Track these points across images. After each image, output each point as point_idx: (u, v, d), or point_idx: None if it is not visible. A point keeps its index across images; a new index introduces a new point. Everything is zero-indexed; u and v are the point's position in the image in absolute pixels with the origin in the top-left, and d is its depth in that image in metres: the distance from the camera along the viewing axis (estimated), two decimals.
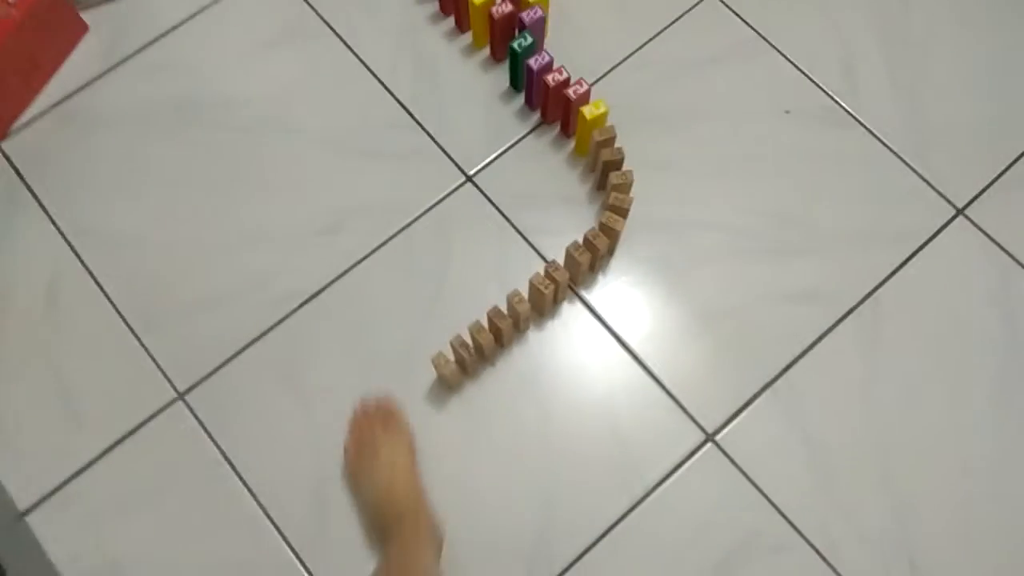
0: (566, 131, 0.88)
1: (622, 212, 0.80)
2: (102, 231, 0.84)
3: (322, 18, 0.93)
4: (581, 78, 0.83)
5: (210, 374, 0.79)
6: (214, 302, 0.82)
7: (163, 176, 0.87)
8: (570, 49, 0.91)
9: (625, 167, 0.82)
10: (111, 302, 0.81)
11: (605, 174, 0.83)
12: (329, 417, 0.76)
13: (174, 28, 0.93)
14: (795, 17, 0.93)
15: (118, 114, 0.89)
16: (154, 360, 0.79)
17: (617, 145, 0.82)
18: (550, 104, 0.86)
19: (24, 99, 0.89)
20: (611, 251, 0.84)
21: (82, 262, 0.83)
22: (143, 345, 0.80)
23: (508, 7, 0.85)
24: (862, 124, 0.89)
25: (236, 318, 0.81)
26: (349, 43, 0.92)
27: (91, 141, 0.88)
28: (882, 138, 0.88)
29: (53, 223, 0.85)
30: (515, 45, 0.84)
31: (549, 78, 0.83)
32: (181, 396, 0.78)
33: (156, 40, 0.92)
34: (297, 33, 0.92)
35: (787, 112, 0.89)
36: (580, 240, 0.79)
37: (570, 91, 0.83)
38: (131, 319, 0.81)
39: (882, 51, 0.92)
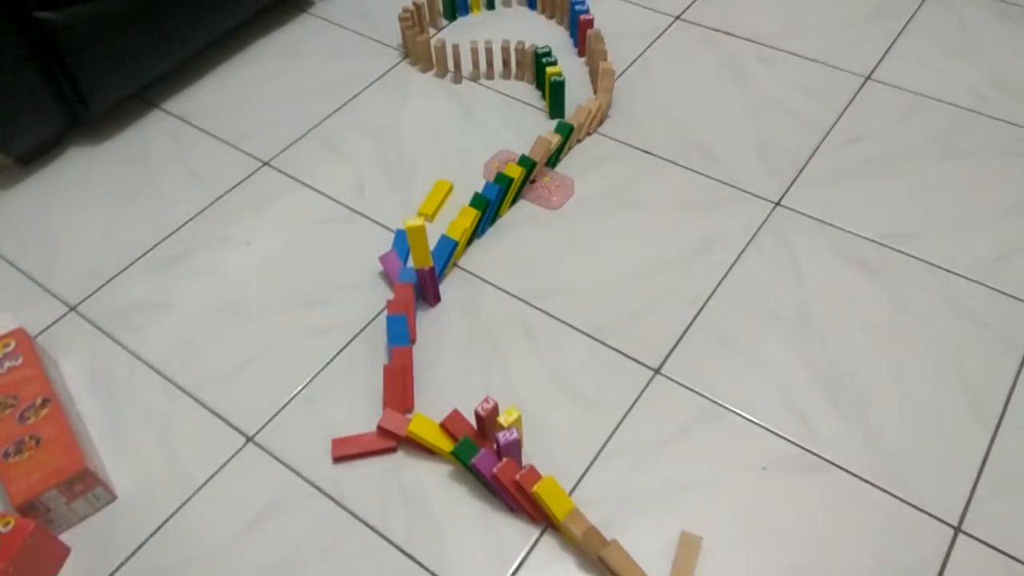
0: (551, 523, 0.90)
1: None
2: None
3: (307, 481, 0.95)
4: (486, 398, 0.92)
5: None
6: None
7: None
8: (545, 453, 0.96)
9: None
10: None
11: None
12: None
13: (160, 528, 0.93)
14: (734, 376, 1.02)
15: None
16: None
17: (612, 536, 0.84)
18: (521, 500, 0.89)
19: None
20: None
21: None
22: None
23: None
24: (834, 464, 0.94)
25: None
26: (336, 498, 0.94)
27: None
28: (857, 473, 0.93)
29: None
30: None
31: (496, 472, 0.89)
32: None
33: (143, 545, 0.91)
34: (286, 502, 0.94)
35: (764, 469, 0.94)
36: None
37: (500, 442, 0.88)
38: None
39: (820, 389, 1.01)
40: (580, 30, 1.47)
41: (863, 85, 1.38)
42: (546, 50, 1.37)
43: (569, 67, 1.45)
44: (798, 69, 1.42)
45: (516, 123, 1.36)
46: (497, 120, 1.37)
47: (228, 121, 1.40)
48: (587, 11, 1.46)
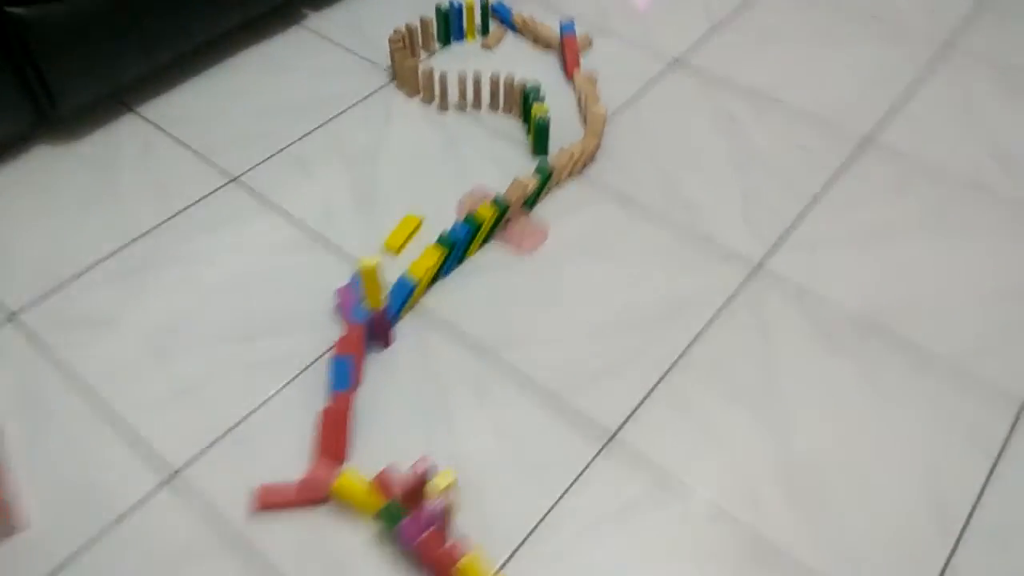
0: None
1: None
2: None
3: (226, 529, 0.90)
4: (422, 456, 0.90)
5: None
6: None
7: None
8: (480, 521, 0.90)
9: None
10: None
11: None
12: None
13: (63, 566, 0.87)
14: (691, 451, 0.97)
15: None
16: None
17: None
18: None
19: None
20: None
21: None
22: None
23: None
24: (787, 557, 0.88)
25: None
26: (251, 550, 0.89)
27: None
28: (811, 568, 0.87)
29: None
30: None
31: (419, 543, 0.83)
32: None
33: None
34: (199, 550, 0.88)
35: (712, 555, 0.88)
36: None
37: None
38: None
39: (780, 476, 0.95)
40: (565, 50, 1.44)
41: (860, 148, 1.33)
42: (535, 86, 1.33)
43: (559, 102, 1.40)
44: (794, 125, 1.36)
45: (497, 158, 1.31)
46: (478, 154, 1.32)
47: (202, 131, 1.35)
48: (573, 32, 1.45)
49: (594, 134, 1.30)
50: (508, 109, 1.39)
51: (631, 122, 1.37)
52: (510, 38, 1.54)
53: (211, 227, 1.21)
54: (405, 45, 1.44)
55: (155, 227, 1.21)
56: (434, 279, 1.14)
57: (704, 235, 1.20)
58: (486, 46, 1.51)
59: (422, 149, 1.33)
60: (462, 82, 1.38)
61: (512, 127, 1.37)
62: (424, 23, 1.48)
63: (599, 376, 1.04)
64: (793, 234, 1.20)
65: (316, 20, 1.57)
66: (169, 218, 1.22)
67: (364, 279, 0.98)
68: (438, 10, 1.48)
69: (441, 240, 1.12)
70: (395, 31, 1.43)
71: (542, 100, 1.31)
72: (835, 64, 1.48)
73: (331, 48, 1.52)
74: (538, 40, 1.51)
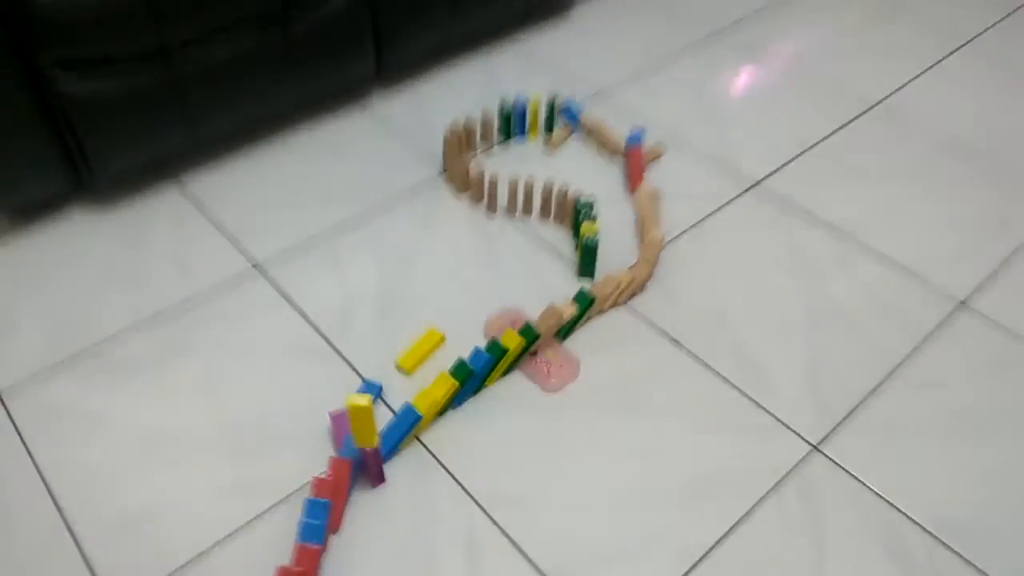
0: None
1: None
2: None
3: None
4: None
5: None
6: None
7: None
8: None
9: None
10: None
11: None
12: None
13: None
14: None
15: None
16: None
17: None
18: None
19: None
20: None
21: None
22: None
23: None
24: None
25: None
26: None
27: None
28: None
29: None
30: None
31: None
32: None
33: None
34: None
35: None
36: None
37: None
38: None
39: None
40: (630, 161, 1.33)
41: (953, 314, 1.15)
42: (588, 202, 1.22)
43: (615, 218, 1.28)
44: (880, 277, 1.20)
45: (538, 274, 1.20)
46: (518, 267, 1.21)
47: (238, 212, 1.29)
48: (640, 143, 1.35)
49: (647, 262, 1.17)
50: (559, 220, 1.28)
51: (692, 250, 1.24)
52: (575, 141, 1.44)
53: (225, 319, 1.13)
54: (460, 140, 1.35)
55: (168, 312, 1.14)
56: (444, 408, 1.03)
57: (758, 398, 1.05)
58: (548, 147, 1.42)
59: (460, 255, 1.23)
60: (513, 186, 1.28)
61: (560, 240, 1.26)
62: (486, 116, 1.40)
63: (611, 561, 0.89)
64: (863, 411, 1.04)
65: (379, 102, 1.51)
66: (184, 302, 1.16)
67: (353, 419, 0.87)
68: (501, 105, 1.39)
69: (457, 370, 1.01)
70: (451, 125, 1.35)
71: (594, 218, 1.20)
72: (934, 209, 1.31)
73: (387, 134, 1.45)
74: (604, 146, 1.40)
